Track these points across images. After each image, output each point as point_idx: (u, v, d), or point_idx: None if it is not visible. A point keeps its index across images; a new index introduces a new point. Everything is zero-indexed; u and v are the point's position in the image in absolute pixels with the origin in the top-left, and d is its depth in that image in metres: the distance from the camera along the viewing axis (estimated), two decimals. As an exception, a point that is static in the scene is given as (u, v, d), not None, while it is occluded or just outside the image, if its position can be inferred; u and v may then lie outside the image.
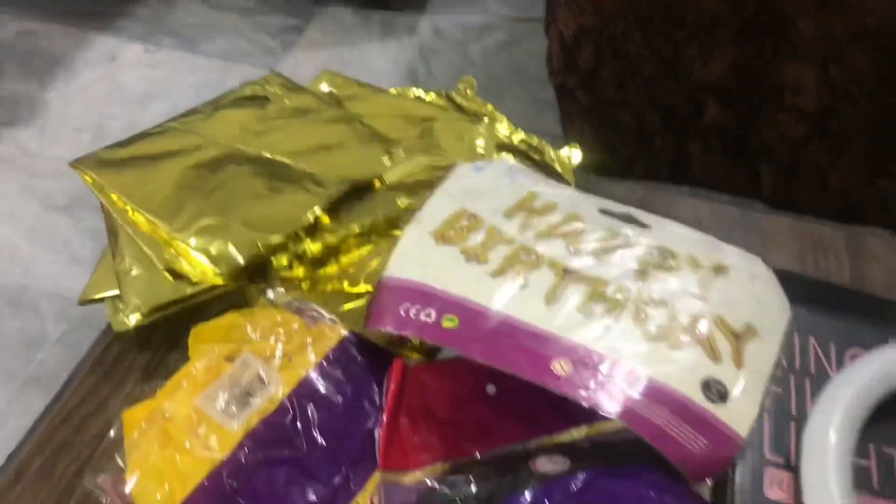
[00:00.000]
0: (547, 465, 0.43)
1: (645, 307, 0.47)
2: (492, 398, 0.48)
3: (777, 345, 0.47)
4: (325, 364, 0.49)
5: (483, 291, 0.48)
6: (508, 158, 0.64)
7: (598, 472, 0.42)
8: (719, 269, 0.50)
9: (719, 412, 0.43)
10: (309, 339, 0.50)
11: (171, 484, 0.43)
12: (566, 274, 0.49)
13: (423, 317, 0.47)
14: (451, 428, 0.47)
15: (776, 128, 1.32)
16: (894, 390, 0.48)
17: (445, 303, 0.47)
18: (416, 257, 0.51)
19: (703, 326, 0.46)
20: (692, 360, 0.45)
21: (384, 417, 0.46)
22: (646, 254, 0.51)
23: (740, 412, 0.43)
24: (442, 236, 0.52)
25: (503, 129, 0.68)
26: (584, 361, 0.44)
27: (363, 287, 0.55)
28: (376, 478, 0.45)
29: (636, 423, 0.41)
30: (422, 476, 0.45)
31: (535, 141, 0.68)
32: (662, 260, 0.50)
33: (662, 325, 0.46)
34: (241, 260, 0.53)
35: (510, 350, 0.45)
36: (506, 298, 0.47)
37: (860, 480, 0.46)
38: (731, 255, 0.52)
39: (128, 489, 0.43)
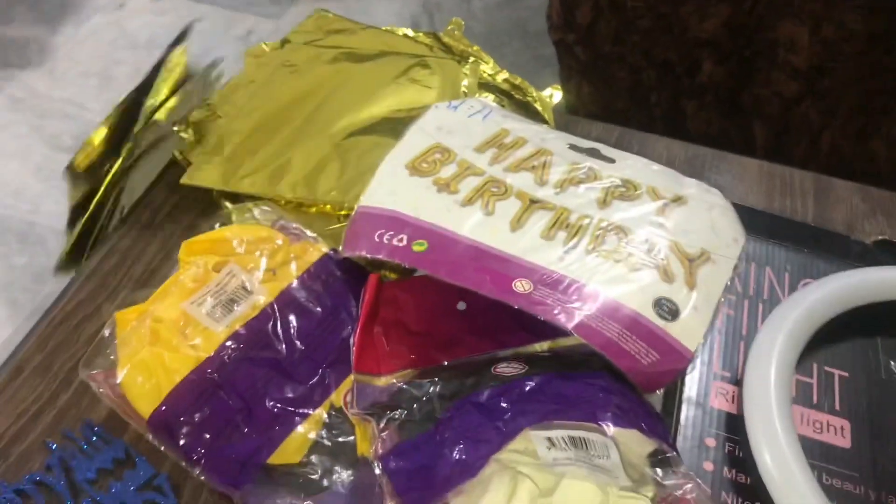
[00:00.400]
0: (506, 369, 0.46)
1: (604, 233, 0.50)
2: (461, 314, 0.52)
3: (729, 270, 0.50)
4: (306, 277, 0.52)
5: (452, 219, 0.51)
6: (485, 97, 0.67)
7: (552, 375, 0.45)
8: (678, 199, 0.53)
9: (670, 328, 0.46)
10: (292, 255, 0.53)
11: (157, 377, 0.46)
12: (532, 203, 0.52)
13: (395, 241, 0.50)
14: (421, 339, 0.51)
15: (770, 85, 1.34)
16: (839, 314, 0.51)
17: (416, 229, 0.50)
18: (390, 187, 0.54)
19: (659, 251, 0.49)
20: (646, 280, 0.48)
21: (358, 325, 0.49)
22: (609, 184, 0.54)
23: (690, 329, 0.46)
24: (415, 168, 0.55)
25: (488, 68, 0.70)
26: (544, 281, 0.47)
27: (345, 211, 0.58)
28: (350, 380, 0.49)
29: (590, 335, 0.45)
30: (392, 379, 0.48)
31: (517, 81, 0.70)
32: (624, 190, 0.54)
33: (619, 249, 0.49)
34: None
35: (475, 271, 0.48)
36: (473, 225, 0.51)
37: (802, 395, 0.50)
38: (691, 186, 0.55)
39: (118, 380, 0.46)
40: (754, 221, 0.58)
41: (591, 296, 0.46)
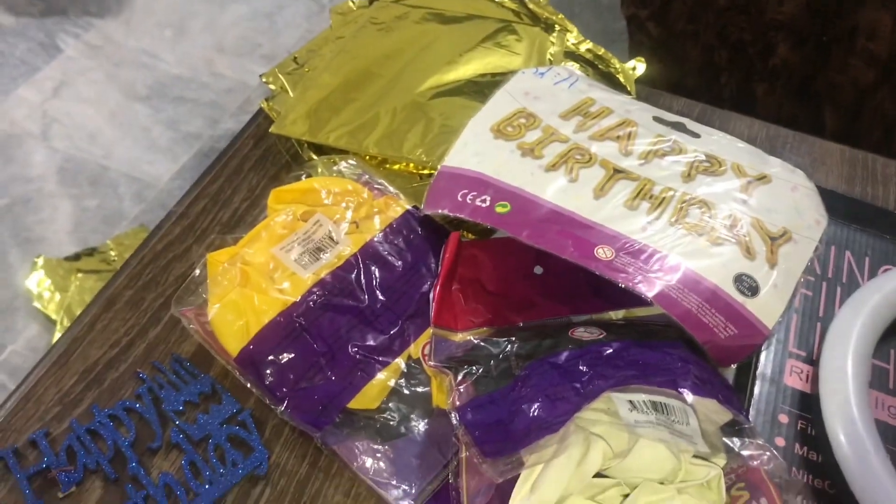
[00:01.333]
0: (584, 334, 0.47)
1: (688, 206, 0.50)
2: (538, 278, 0.53)
3: (811, 250, 0.50)
4: (388, 231, 0.53)
5: (536, 183, 0.51)
6: (573, 66, 0.67)
7: (630, 342, 0.46)
8: (762, 178, 0.53)
9: (749, 304, 0.46)
10: (375, 209, 0.54)
11: (246, 317, 0.48)
12: (616, 172, 0.52)
13: (478, 202, 0.51)
14: (497, 299, 0.52)
15: (845, 72, 1.31)
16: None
17: (499, 191, 0.51)
18: (475, 149, 0.55)
19: (742, 227, 0.49)
20: (728, 255, 0.48)
21: (438, 280, 0.50)
22: (693, 159, 0.54)
23: (768, 306, 0.47)
24: (500, 132, 0.55)
25: (572, 38, 0.70)
26: (626, 249, 0.47)
27: (428, 170, 0.59)
28: (429, 333, 0.50)
29: (669, 305, 0.45)
30: (469, 336, 0.49)
31: (601, 51, 0.70)
32: (709, 165, 0.53)
33: (702, 222, 0.49)
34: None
35: (557, 235, 0.48)
36: (556, 190, 0.51)
37: (878, 380, 0.49)
38: (776, 166, 0.54)
39: (208, 318, 0.48)
40: (835, 205, 0.58)
41: (672, 267, 0.47)
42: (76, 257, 1.23)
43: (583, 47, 0.70)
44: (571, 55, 0.68)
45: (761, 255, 0.49)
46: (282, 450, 0.47)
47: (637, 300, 0.47)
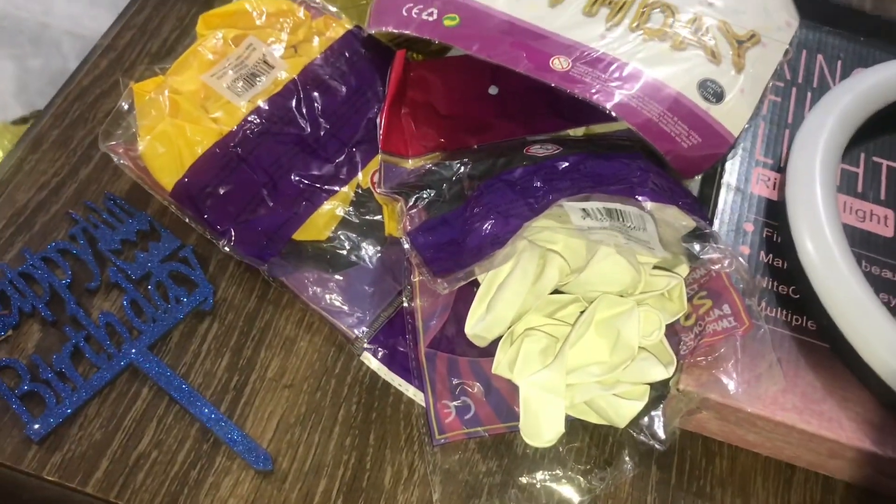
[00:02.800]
0: (539, 150, 0.44)
1: (650, 10, 0.47)
2: (493, 98, 0.49)
3: (780, 53, 0.47)
4: (329, 54, 0.49)
5: None
6: None
7: (587, 155, 0.43)
8: None
9: (713, 111, 0.44)
10: (314, 30, 0.50)
11: (179, 148, 0.45)
12: None
13: (424, 16, 0.47)
14: (450, 122, 0.48)
15: None
16: (891, 102, 0.49)
17: (447, 2, 0.47)
18: None
19: (706, 30, 0.46)
20: (691, 60, 0.45)
21: (385, 104, 0.47)
22: None
23: (734, 112, 0.44)
24: None
25: None
26: (583, 59, 0.44)
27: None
28: (377, 160, 0.47)
29: (629, 115, 0.42)
30: (420, 161, 0.47)
31: None
32: None
33: (665, 27, 0.46)
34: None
35: (511, 47, 0.45)
36: (508, 0, 0.47)
37: (847, 184, 0.48)
38: None
39: (139, 151, 0.45)
40: (807, 7, 0.54)
41: (632, 75, 0.44)
42: (24, 120, 1.18)
43: None
44: None
45: (727, 59, 0.46)
46: (228, 285, 0.45)
47: (598, 115, 0.44)
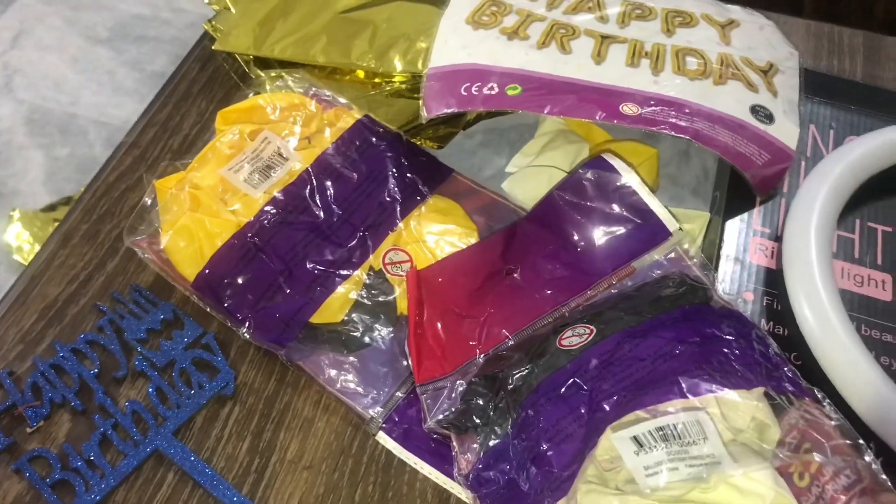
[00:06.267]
0: (573, 338, 0.43)
1: (682, 55, 0.52)
2: (511, 280, 0.49)
3: (797, 79, 0.53)
4: (340, 143, 0.52)
5: (534, 61, 0.51)
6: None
7: (622, 335, 0.42)
8: (731, 23, 0.55)
9: (771, 130, 0.48)
10: (326, 122, 0.53)
11: (200, 241, 0.47)
12: (604, 38, 0.53)
13: (485, 91, 0.50)
14: (476, 320, 0.47)
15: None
16: (883, 169, 0.50)
17: (503, 75, 0.50)
18: (460, 43, 0.53)
19: (736, 66, 0.51)
20: (736, 92, 0.50)
21: (409, 331, 0.46)
22: (666, 16, 0.55)
23: (786, 129, 0.49)
24: (476, 22, 0.54)
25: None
26: (648, 102, 0.48)
27: (379, 78, 0.57)
28: (390, 241, 0.49)
29: (709, 142, 0.46)
30: (459, 378, 0.44)
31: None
32: (682, 19, 0.55)
33: (700, 67, 0.51)
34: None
35: (579, 103, 0.48)
36: (557, 64, 0.51)
37: (844, 250, 0.49)
38: (737, 11, 0.57)
39: (162, 245, 0.47)
40: (806, 83, 0.56)
41: (695, 110, 0.48)
42: (52, 208, 1.22)
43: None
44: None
45: (762, 87, 0.51)
46: (248, 369, 0.47)
47: (611, 264, 0.46)
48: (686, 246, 0.46)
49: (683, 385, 0.37)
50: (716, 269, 0.48)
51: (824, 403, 0.39)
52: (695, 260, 0.46)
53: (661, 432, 0.36)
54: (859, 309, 0.46)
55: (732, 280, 0.47)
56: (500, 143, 0.57)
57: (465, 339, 0.46)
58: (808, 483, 0.37)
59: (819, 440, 0.37)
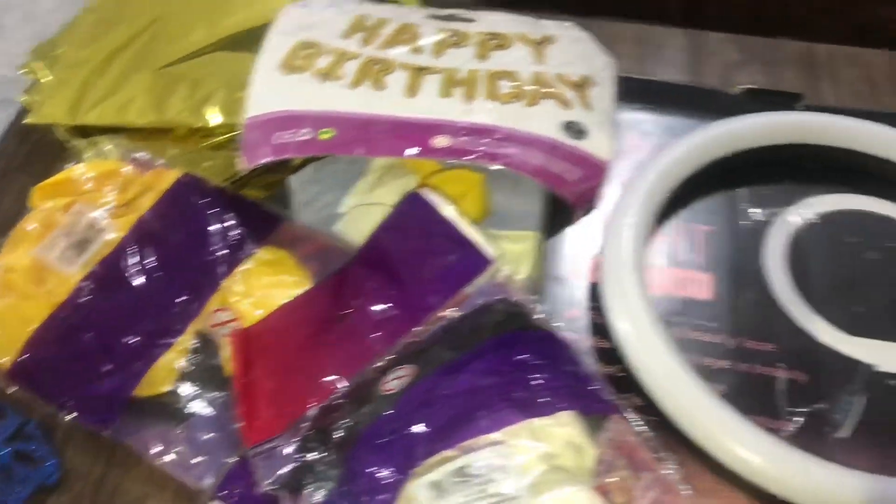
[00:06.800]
0: (394, 382, 0.43)
1: (495, 79, 0.52)
2: (339, 328, 0.48)
3: (612, 89, 0.54)
4: (159, 206, 0.51)
5: (348, 101, 0.51)
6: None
7: (439, 372, 0.42)
8: (546, 39, 0.56)
9: (583, 145, 0.49)
10: (144, 186, 0.52)
11: (13, 328, 0.46)
12: (418, 70, 0.53)
13: (299, 138, 0.49)
14: (307, 373, 0.46)
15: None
16: (695, 171, 0.51)
17: (316, 119, 0.50)
18: (272, 91, 0.53)
19: (549, 83, 0.52)
20: (549, 111, 0.51)
21: (236, 394, 0.45)
22: (481, 41, 0.56)
23: (600, 143, 0.50)
24: (289, 67, 0.54)
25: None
26: (459, 132, 0.49)
27: (200, 135, 0.56)
28: (216, 301, 0.48)
29: (520, 167, 0.47)
30: (292, 435, 0.43)
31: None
32: (496, 42, 0.56)
33: (514, 90, 0.52)
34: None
35: (392, 140, 0.49)
36: (371, 102, 0.51)
37: (667, 254, 0.50)
38: (551, 27, 0.57)
39: (-27, 336, 0.46)
40: (623, 90, 0.57)
41: (507, 135, 0.48)
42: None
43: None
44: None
45: (575, 101, 0.52)
46: (75, 453, 0.46)
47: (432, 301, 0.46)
48: (507, 271, 0.47)
49: (486, 420, 0.38)
50: (542, 289, 0.48)
51: (633, 418, 0.39)
52: (517, 284, 0.47)
53: (459, 473, 0.36)
54: (683, 312, 0.47)
55: (559, 298, 0.48)
56: (333, 184, 0.57)
57: (297, 393, 0.45)
58: (627, 500, 0.38)
59: (630, 456, 0.38)
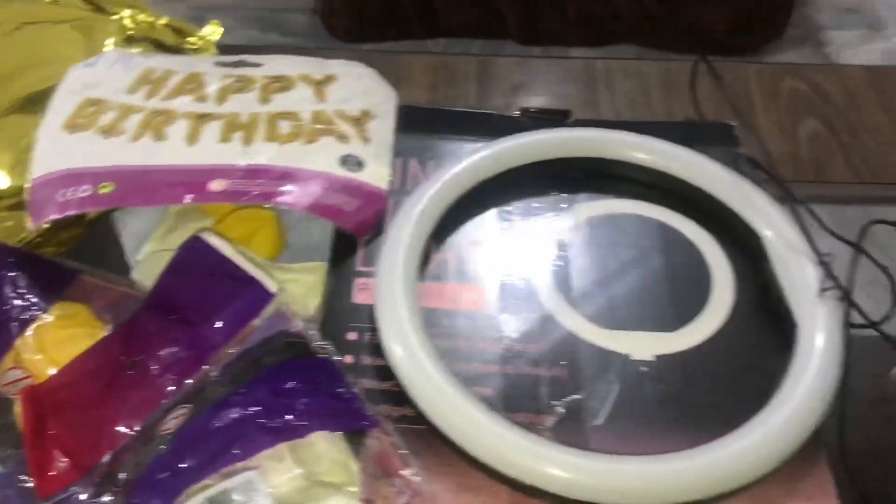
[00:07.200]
0: (172, 422, 0.45)
1: (276, 120, 0.55)
2: (132, 374, 0.49)
3: (392, 120, 0.58)
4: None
5: (128, 156, 0.53)
6: (134, 49, 0.67)
7: (212, 408, 0.44)
8: (328, 78, 0.60)
9: (361, 176, 0.53)
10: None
11: None
12: (200, 118, 0.56)
13: (80, 194, 0.51)
14: (101, 422, 0.47)
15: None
16: (466, 191, 0.55)
17: (95, 175, 0.52)
18: (56, 151, 0.54)
19: (327, 121, 0.56)
20: (327, 147, 0.54)
21: (27, 448, 0.46)
22: (265, 84, 0.59)
23: (376, 173, 0.54)
24: (74, 126, 0.56)
25: (144, 17, 0.70)
26: (237, 175, 0.52)
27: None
28: (9, 361, 0.49)
29: (295, 203, 0.51)
30: (87, 482, 0.45)
31: (177, 24, 0.70)
32: (279, 84, 0.59)
33: (293, 129, 0.55)
34: None
35: (168, 188, 0.51)
36: (152, 153, 0.53)
37: (442, 271, 0.53)
38: (336, 66, 0.61)
39: None
40: (405, 119, 0.61)
41: (283, 174, 0.52)
42: None
43: (159, 23, 0.70)
44: (138, 40, 0.68)
45: (353, 136, 0.55)
46: None
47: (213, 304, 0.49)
48: (289, 303, 0.50)
49: (242, 448, 0.40)
50: (327, 315, 0.51)
51: (391, 430, 0.42)
52: (299, 314, 0.49)
53: (214, 500, 0.39)
54: (456, 324, 0.51)
55: (338, 324, 0.51)
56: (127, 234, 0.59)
57: (92, 442, 0.47)
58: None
59: (387, 467, 0.41)
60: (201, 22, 0.70)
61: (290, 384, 0.44)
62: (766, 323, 0.51)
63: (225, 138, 0.54)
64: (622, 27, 1.42)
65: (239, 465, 0.40)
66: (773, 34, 1.47)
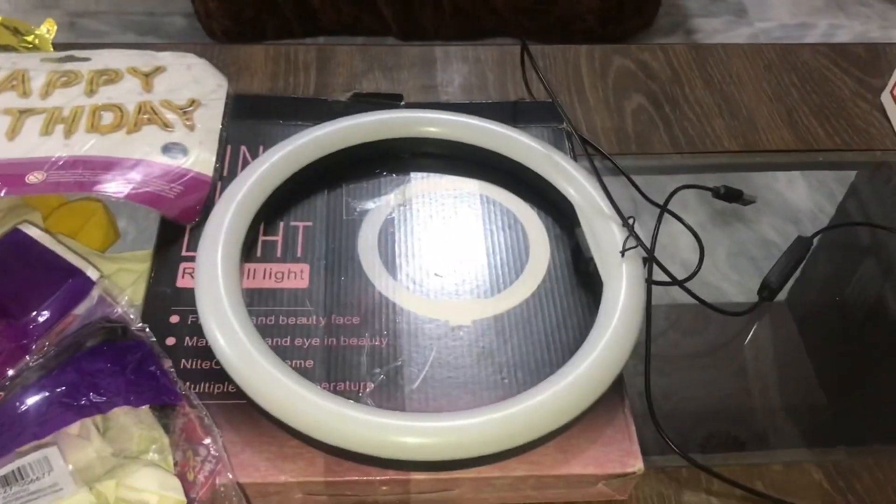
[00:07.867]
0: None
1: (100, 112, 0.56)
2: None
3: (221, 108, 0.60)
4: None
5: None
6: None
7: (20, 393, 0.44)
8: (158, 69, 0.61)
9: (185, 163, 0.55)
10: None
11: None
12: (21, 113, 0.56)
13: None
14: None
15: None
16: (293, 174, 0.57)
17: None
18: None
19: (153, 111, 0.57)
20: (150, 135, 0.56)
21: None
22: (92, 78, 0.60)
23: (202, 160, 0.56)
24: None
25: (-23, 18, 0.69)
26: (55, 167, 0.52)
27: None
28: None
29: (116, 192, 0.51)
30: None
31: (12, 22, 0.70)
32: (108, 77, 0.60)
33: (115, 120, 0.56)
34: None
35: None
36: None
37: (267, 254, 0.54)
38: (166, 57, 0.63)
39: None
40: (238, 107, 0.62)
41: (105, 164, 0.53)
42: None
43: (-6, 24, 0.69)
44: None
45: (178, 124, 0.57)
46: None
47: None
48: (111, 290, 0.50)
49: (39, 427, 0.41)
50: (152, 300, 0.52)
51: (196, 403, 0.43)
52: (120, 301, 0.50)
53: (6, 479, 0.40)
54: (281, 302, 0.52)
55: (162, 307, 0.51)
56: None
57: None
58: (194, 477, 0.42)
59: (193, 437, 0.42)
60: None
61: (98, 365, 0.44)
62: (577, 284, 0.54)
63: (46, 131, 0.55)
64: (498, 20, 1.45)
65: (34, 443, 0.40)
66: (644, 23, 1.52)
